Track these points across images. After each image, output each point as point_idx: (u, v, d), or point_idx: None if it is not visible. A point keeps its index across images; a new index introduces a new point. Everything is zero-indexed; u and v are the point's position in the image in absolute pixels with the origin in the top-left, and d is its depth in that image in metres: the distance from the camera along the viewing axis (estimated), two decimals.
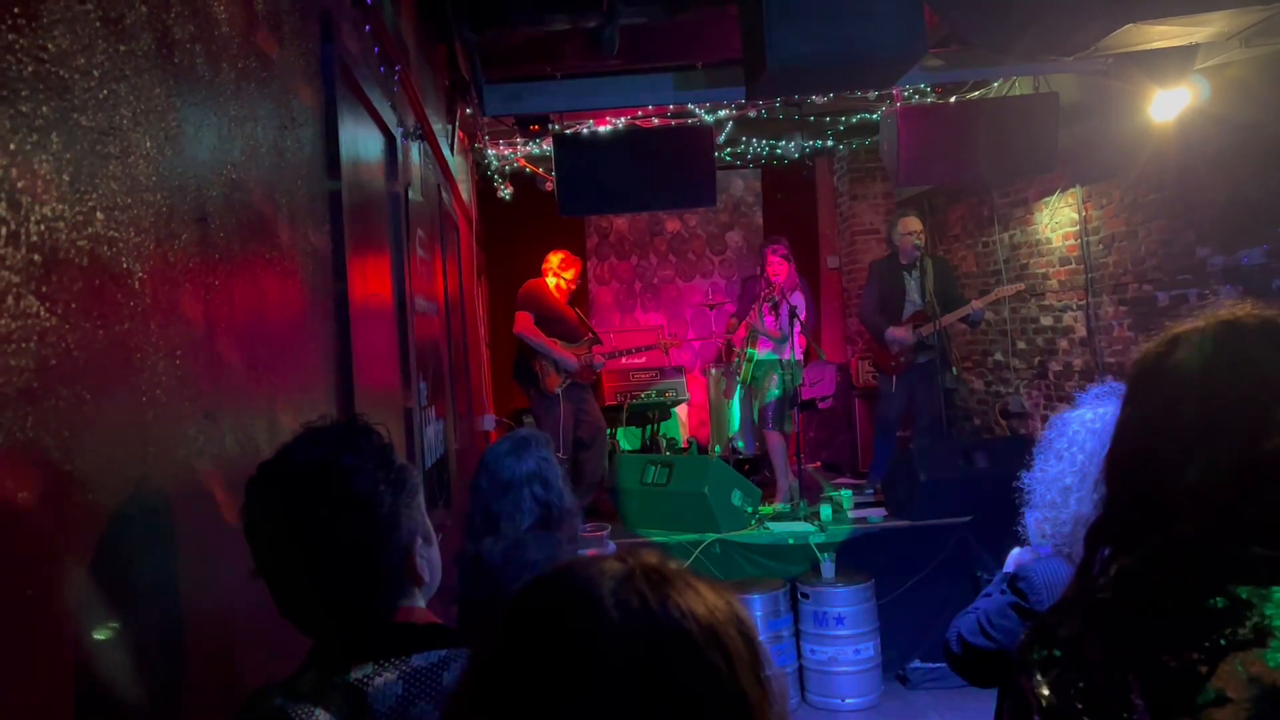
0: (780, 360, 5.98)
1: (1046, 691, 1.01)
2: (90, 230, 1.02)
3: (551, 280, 6.24)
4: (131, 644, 1.12)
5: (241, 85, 1.61)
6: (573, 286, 6.34)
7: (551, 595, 0.72)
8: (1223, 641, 0.95)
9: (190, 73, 1.36)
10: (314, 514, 1.14)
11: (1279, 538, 0.98)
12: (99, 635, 1.05)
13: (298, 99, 1.99)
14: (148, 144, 1.19)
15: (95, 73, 1.06)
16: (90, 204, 1.03)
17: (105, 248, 1.06)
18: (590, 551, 2.53)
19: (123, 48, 1.13)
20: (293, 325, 1.86)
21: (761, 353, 6.09)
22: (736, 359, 6.33)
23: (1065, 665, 1.01)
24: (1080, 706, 0.98)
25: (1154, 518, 1.04)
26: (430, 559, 1.27)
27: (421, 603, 1.26)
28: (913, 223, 6.20)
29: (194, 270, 1.33)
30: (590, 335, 6.41)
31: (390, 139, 3.11)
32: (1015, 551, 2.12)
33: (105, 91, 1.09)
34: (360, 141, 2.62)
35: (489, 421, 6.88)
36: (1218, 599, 0.97)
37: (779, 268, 5.97)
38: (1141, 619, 1.00)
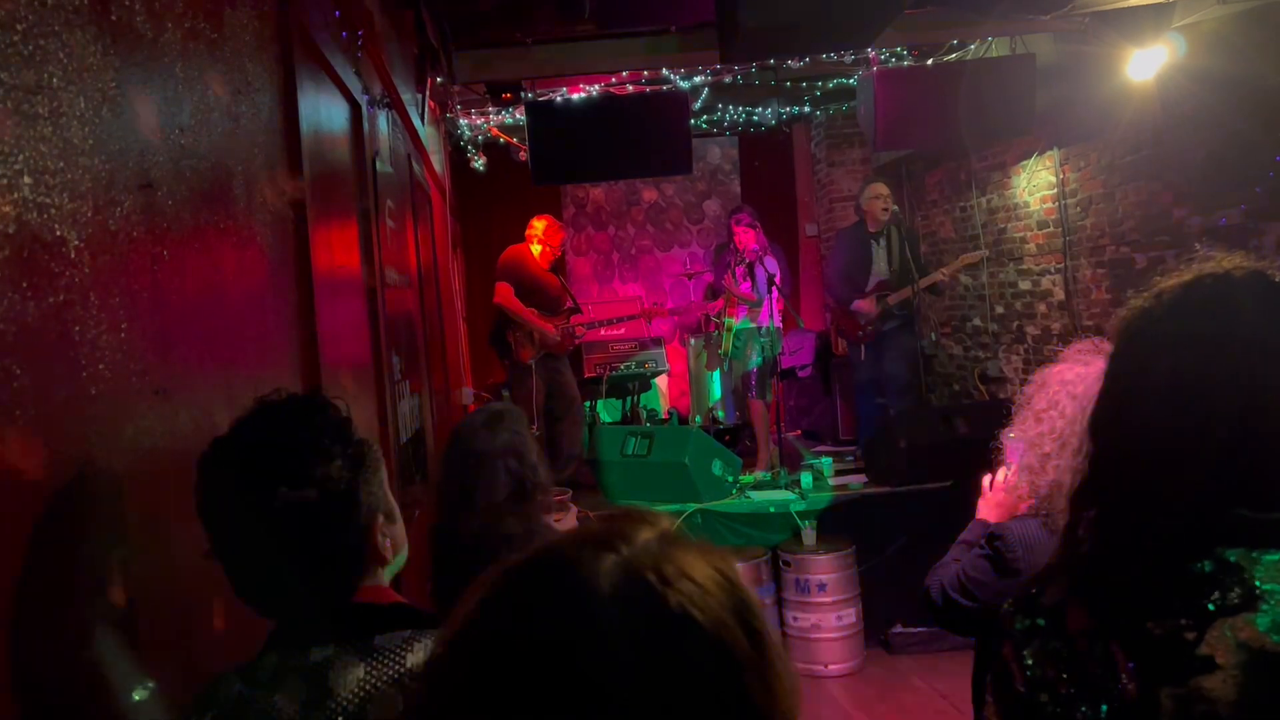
0: (759, 328, 5.95)
1: (1030, 662, 0.97)
2: (16, 195, 0.96)
3: (536, 248, 6.16)
4: (81, 633, 1.07)
5: (189, 46, 1.54)
6: (556, 254, 6.27)
7: (541, 594, 0.65)
8: (1211, 607, 0.92)
9: (129, 30, 1.29)
10: (268, 492, 1.10)
11: (1266, 499, 0.95)
12: (45, 625, 1.00)
13: (253, 62, 1.92)
14: (82, 104, 1.12)
15: (18, 26, 0.99)
16: (16, 167, 0.96)
17: (35, 214, 1.00)
18: (555, 516, 2.50)
19: (50, 1, 1.07)
20: (251, 298, 1.80)
21: (739, 321, 6.06)
22: (716, 330, 6.29)
23: (1048, 634, 0.97)
24: (1065, 677, 0.95)
25: (1138, 479, 1.00)
26: (394, 536, 1.22)
27: (385, 581, 1.22)
28: (879, 188, 6.17)
29: (139, 239, 1.27)
30: (571, 304, 6.35)
31: (355, 107, 3.03)
32: (983, 503, 2.12)
33: (31, 47, 1.02)
34: (322, 109, 2.54)
35: (467, 395, 6.82)
36: (1205, 563, 0.94)
37: (745, 236, 5.95)
38: (1126, 585, 0.96)
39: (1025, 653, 0.98)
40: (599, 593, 0.62)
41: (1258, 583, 0.92)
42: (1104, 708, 0.92)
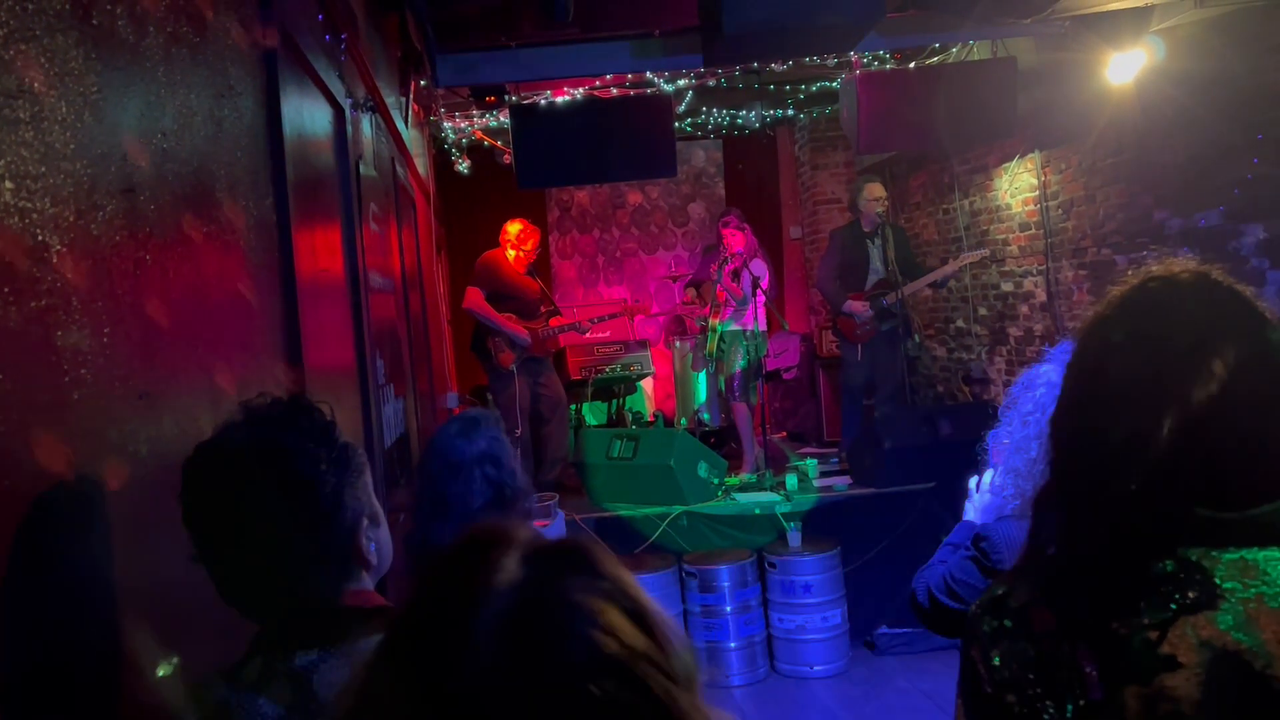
0: (744, 330, 5.96)
1: (997, 663, 0.98)
2: None
3: (511, 253, 6.14)
4: (66, 639, 1.07)
5: (172, 50, 1.53)
6: (532, 257, 6.24)
7: (425, 617, 0.67)
8: (1173, 606, 0.92)
9: (111, 35, 1.29)
10: (253, 497, 1.10)
11: (1224, 498, 0.96)
12: (28, 632, 1.00)
13: (236, 66, 1.91)
14: (64, 109, 1.12)
15: None
16: None
17: (16, 219, 0.99)
18: (539, 523, 2.50)
19: (31, 5, 1.06)
20: (236, 301, 1.80)
21: (723, 322, 6.07)
22: (702, 332, 6.31)
23: (1015, 636, 0.98)
24: (1032, 677, 0.95)
25: (1096, 480, 1.01)
26: (379, 540, 1.22)
27: (370, 585, 1.22)
28: (878, 189, 6.20)
29: (122, 243, 1.27)
30: (550, 307, 6.34)
31: (339, 110, 3.02)
32: (969, 505, 2.13)
33: (12, 52, 1.02)
34: (306, 112, 2.54)
35: (452, 399, 6.80)
36: (1166, 563, 0.95)
37: (733, 238, 5.97)
38: (1090, 586, 0.97)
39: (992, 654, 0.99)
40: (483, 608, 0.63)
41: (1218, 581, 0.93)
42: (1070, 708, 0.93)
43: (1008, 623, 0.99)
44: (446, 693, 0.61)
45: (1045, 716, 0.94)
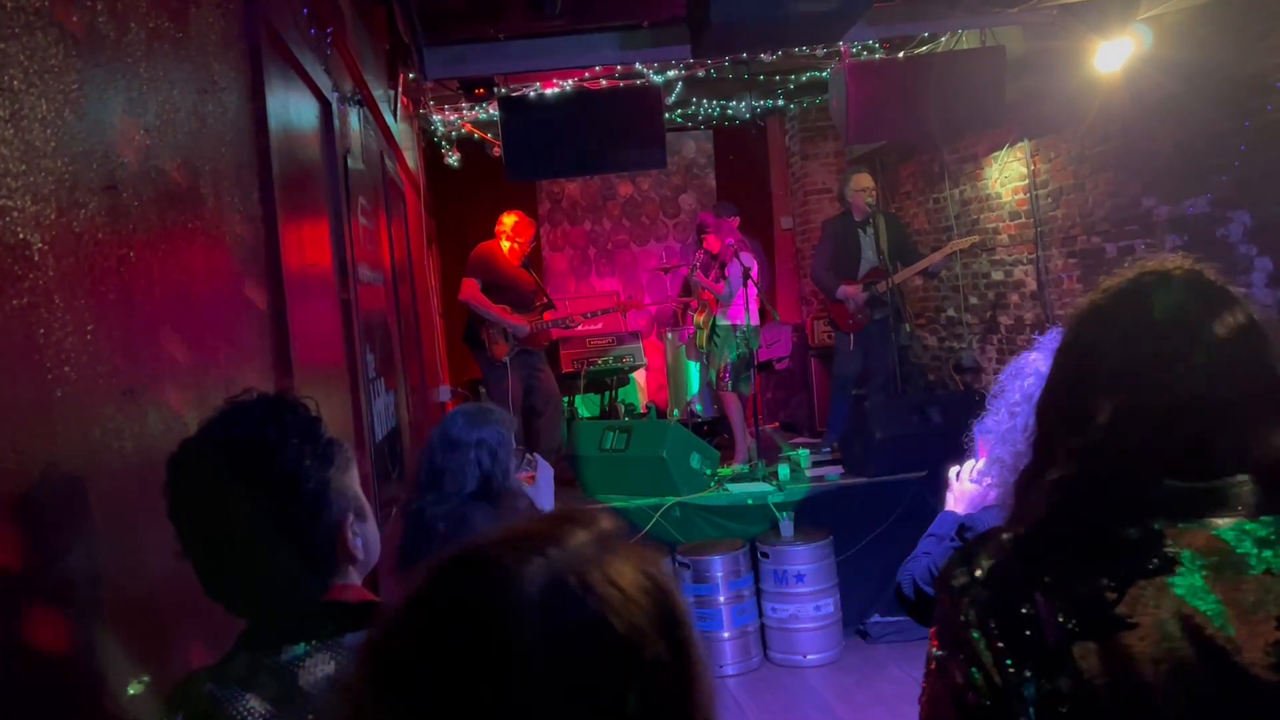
0: (734, 325, 5.97)
1: (963, 618, 1.02)
2: None
3: (505, 244, 6.14)
4: (53, 635, 1.07)
5: (153, 46, 1.53)
6: (527, 250, 6.24)
7: (462, 599, 0.65)
8: (1133, 570, 0.98)
9: (92, 32, 1.29)
10: (237, 492, 1.10)
11: (1193, 470, 1.02)
12: (16, 630, 1.00)
13: (219, 62, 1.91)
14: (44, 107, 1.12)
15: None
16: None
17: None
18: (525, 475, 2.55)
19: (9, 4, 1.06)
20: (221, 298, 1.80)
21: (715, 317, 6.09)
22: (696, 329, 6.33)
23: (985, 587, 1.03)
24: (996, 631, 1.00)
25: (1077, 457, 1.06)
26: (365, 534, 1.23)
27: (356, 579, 1.22)
28: (865, 179, 6.22)
29: (105, 241, 1.27)
30: (545, 300, 6.34)
31: (325, 104, 3.02)
32: (950, 495, 2.13)
33: None
34: (292, 106, 2.54)
35: (444, 392, 6.81)
36: (1131, 530, 1.01)
37: (708, 243, 6.05)
38: (1056, 547, 1.03)
39: (963, 601, 1.03)
40: (520, 597, 0.63)
41: (1178, 549, 0.98)
42: (1029, 659, 0.97)
43: (979, 574, 1.04)
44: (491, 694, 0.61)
45: (1005, 666, 0.98)
